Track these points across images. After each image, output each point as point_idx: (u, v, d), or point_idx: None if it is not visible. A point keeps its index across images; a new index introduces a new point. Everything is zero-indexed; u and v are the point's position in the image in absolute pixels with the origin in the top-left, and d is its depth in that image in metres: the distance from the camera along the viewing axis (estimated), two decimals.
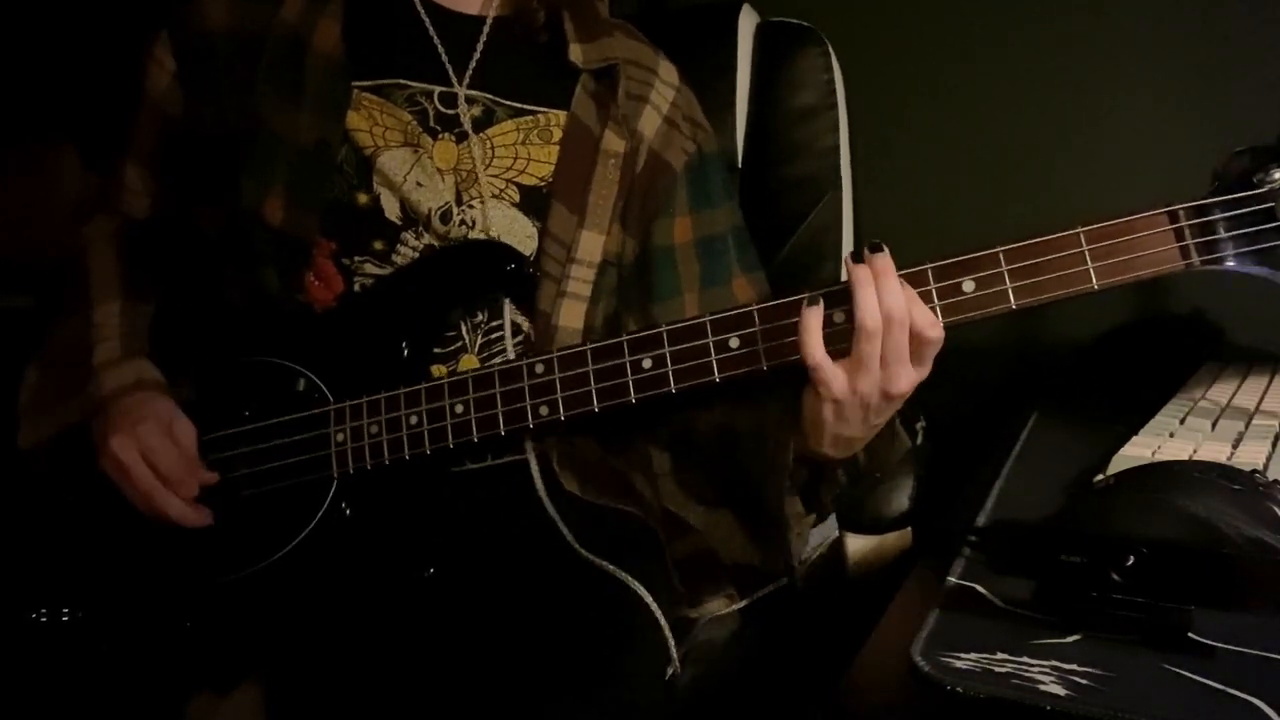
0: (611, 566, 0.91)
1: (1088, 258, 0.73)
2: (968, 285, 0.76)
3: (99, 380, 0.92)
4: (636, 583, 0.90)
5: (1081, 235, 0.74)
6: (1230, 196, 0.71)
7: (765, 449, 0.89)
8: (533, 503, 0.94)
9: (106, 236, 1.01)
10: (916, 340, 0.76)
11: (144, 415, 0.89)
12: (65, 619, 0.90)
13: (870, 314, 0.76)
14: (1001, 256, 0.75)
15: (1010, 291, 0.75)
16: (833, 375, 0.79)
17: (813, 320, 0.79)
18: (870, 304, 0.76)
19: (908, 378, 0.78)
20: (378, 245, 0.93)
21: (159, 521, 0.89)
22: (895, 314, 0.75)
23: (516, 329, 0.95)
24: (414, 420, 0.87)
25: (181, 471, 0.89)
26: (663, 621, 0.90)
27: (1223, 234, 0.71)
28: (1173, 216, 0.72)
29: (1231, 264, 0.71)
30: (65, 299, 1.00)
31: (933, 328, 0.76)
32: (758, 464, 0.90)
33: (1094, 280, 0.73)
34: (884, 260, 0.76)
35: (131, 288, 1.00)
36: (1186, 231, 0.72)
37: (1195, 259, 0.72)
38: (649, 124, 0.99)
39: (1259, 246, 0.70)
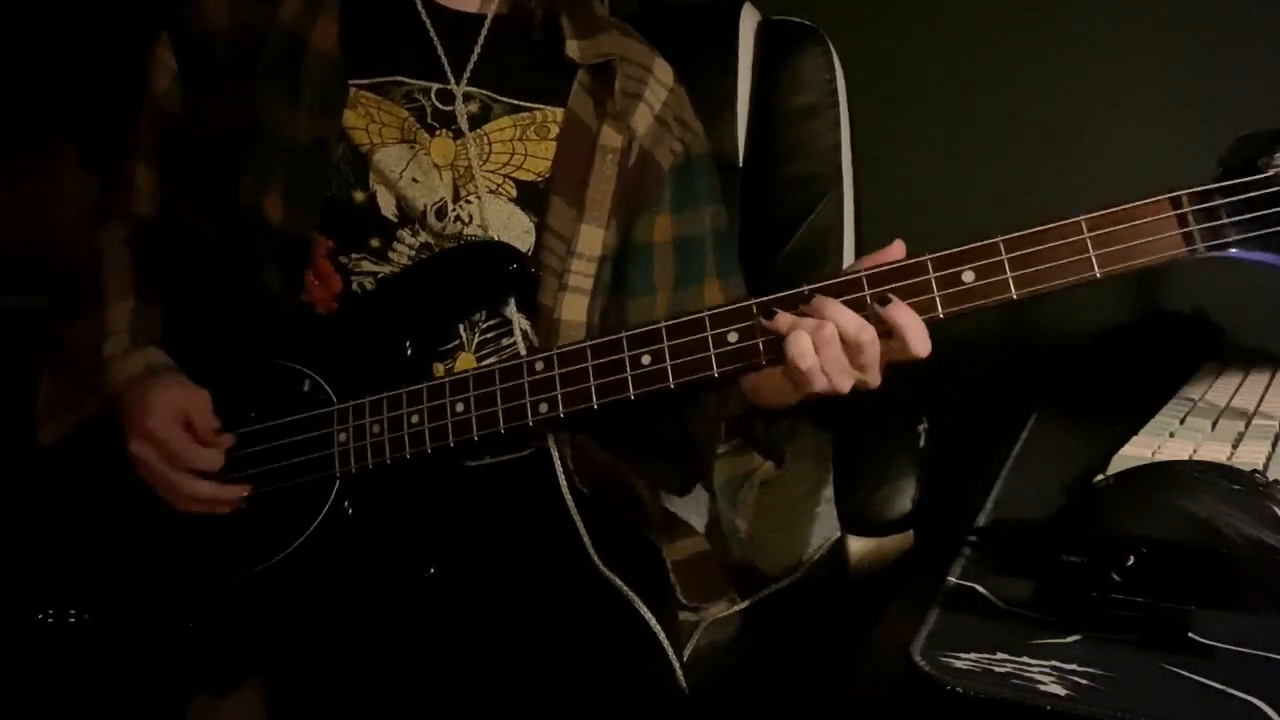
0: (620, 582, 0.90)
1: (1089, 245, 0.72)
2: (967, 275, 0.74)
3: (109, 372, 0.93)
4: (642, 604, 0.90)
5: (1083, 223, 0.72)
6: (1234, 181, 0.69)
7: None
8: (555, 500, 0.94)
9: (121, 241, 1.01)
10: (852, 350, 0.75)
11: (153, 407, 0.88)
12: (71, 620, 0.90)
13: (801, 353, 0.76)
14: (1002, 245, 0.73)
15: (1011, 281, 0.73)
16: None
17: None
18: (800, 344, 0.76)
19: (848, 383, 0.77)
20: (374, 243, 0.93)
21: (193, 511, 0.89)
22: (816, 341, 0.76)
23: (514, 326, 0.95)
24: (415, 419, 0.87)
25: (195, 452, 0.88)
26: (668, 647, 0.90)
27: (1226, 219, 0.69)
28: (1175, 202, 0.70)
29: (1235, 251, 0.69)
30: (78, 302, 1.00)
31: (862, 330, 0.75)
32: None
33: (1096, 268, 0.72)
34: (780, 319, 0.77)
35: (144, 290, 1.00)
36: (1190, 217, 0.70)
37: (1199, 245, 0.69)
38: (642, 121, 1.00)
39: (1263, 232, 0.68)
